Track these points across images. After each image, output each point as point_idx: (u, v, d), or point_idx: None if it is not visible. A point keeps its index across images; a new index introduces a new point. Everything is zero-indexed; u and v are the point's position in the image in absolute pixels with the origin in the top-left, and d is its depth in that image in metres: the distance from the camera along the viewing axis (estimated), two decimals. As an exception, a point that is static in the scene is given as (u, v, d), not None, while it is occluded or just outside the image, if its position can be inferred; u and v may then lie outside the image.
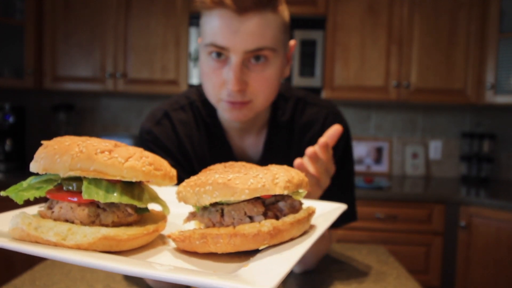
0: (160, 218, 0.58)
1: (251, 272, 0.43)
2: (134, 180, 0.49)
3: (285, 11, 0.86)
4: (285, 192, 0.51)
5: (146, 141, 0.98)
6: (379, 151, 3.05)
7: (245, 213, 0.51)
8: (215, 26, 0.80)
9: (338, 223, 1.00)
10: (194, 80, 2.66)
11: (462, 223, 2.28)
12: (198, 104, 1.01)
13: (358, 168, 2.98)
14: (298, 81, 2.62)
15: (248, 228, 0.49)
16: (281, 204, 0.54)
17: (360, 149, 3.03)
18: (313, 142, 0.99)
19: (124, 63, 2.73)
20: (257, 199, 0.53)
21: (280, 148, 1.00)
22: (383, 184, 2.50)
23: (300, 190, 0.58)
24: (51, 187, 0.51)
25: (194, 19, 2.65)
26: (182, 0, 2.68)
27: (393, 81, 2.65)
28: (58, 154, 0.48)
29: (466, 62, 2.63)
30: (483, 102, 2.61)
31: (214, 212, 0.53)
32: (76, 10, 2.73)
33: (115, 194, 0.49)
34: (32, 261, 2.48)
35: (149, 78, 2.73)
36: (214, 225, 0.53)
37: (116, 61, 2.73)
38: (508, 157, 2.99)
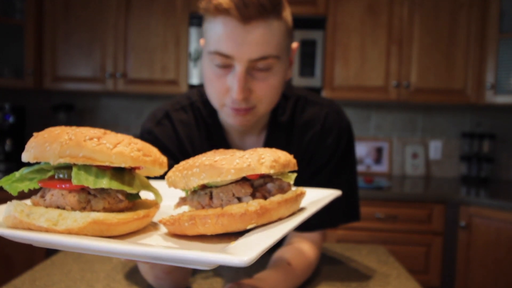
0: (153, 205, 0.58)
1: (235, 248, 0.44)
2: (123, 165, 0.50)
3: (288, 16, 0.86)
4: (271, 171, 0.52)
5: (147, 141, 0.98)
6: (379, 151, 3.05)
7: (233, 195, 0.52)
8: (219, 34, 0.80)
9: (341, 222, 1.00)
10: (194, 80, 2.66)
11: (462, 223, 2.28)
12: (199, 105, 1.01)
13: (358, 168, 2.98)
14: (298, 81, 2.62)
15: (235, 208, 0.49)
16: (269, 186, 0.55)
17: (360, 149, 3.03)
18: (313, 141, 0.99)
19: (124, 63, 2.73)
20: (245, 181, 0.53)
21: (280, 147, 1.00)
22: (383, 184, 2.50)
23: (290, 173, 0.58)
24: (44, 177, 0.52)
25: (194, 19, 2.65)
26: (182, 0, 2.68)
27: (393, 81, 2.65)
28: (48, 142, 0.49)
29: (466, 62, 2.63)
30: (483, 102, 2.61)
31: (203, 195, 0.53)
32: (76, 10, 2.73)
33: (104, 180, 0.49)
34: (32, 261, 2.48)
35: (149, 78, 2.73)
36: (203, 208, 0.53)
37: (116, 61, 2.73)
38: (508, 157, 2.99)
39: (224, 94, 0.85)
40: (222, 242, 0.51)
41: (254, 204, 0.50)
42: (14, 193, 0.52)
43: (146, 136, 0.99)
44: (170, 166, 0.61)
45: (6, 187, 0.52)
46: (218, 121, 0.99)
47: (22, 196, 0.56)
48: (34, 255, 2.39)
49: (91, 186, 0.49)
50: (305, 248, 0.94)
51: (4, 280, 1.99)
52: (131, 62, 2.73)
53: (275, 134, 0.99)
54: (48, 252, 2.41)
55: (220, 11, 0.79)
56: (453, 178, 3.02)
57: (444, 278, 2.37)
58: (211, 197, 0.53)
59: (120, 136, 0.52)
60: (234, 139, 1.01)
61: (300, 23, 2.56)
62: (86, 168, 0.49)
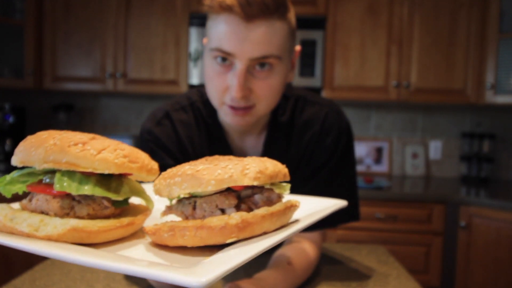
0: (144, 211, 0.57)
1: (205, 265, 0.42)
2: (106, 172, 0.49)
3: (292, 18, 0.86)
4: (255, 183, 0.49)
5: (147, 141, 0.98)
6: (379, 151, 3.05)
7: (217, 206, 0.50)
8: (221, 31, 0.80)
9: (340, 222, 1.00)
10: (194, 80, 2.66)
11: (462, 223, 2.28)
12: (199, 105, 1.01)
13: (358, 168, 2.98)
14: (298, 81, 2.62)
15: (215, 220, 0.47)
16: (256, 197, 0.52)
17: (360, 149, 3.03)
18: (312, 140, 0.99)
19: (124, 63, 2.73)
20: (230, 191, 0.51)
21: (279, 148, 1.00)
22: (383, 184, 2.50)
23: (284, 184, 0.56)
24: (34, 180, 0.52)
25: (194, 19, 2.65)
26: (182, 0, 2.68)
27: (393, 81, 2.65)
28: (34, 147, 0.49)
29: (466, 62, 2.63)
30: (483, 102, 2.61)
31: (187, 205, 0.52)
32: (76, 10, 2.73)
33: (87, 187, 0.49)
34: (32, 261, 2.48)
35: (149, 78, 2.73)
36: (187, 218, 0.51)
37: (116, 61, 2.73)
38: (508, 157, 2.99)
39: (224, 92, 0.85)
40: (203, 255, 0.49)
41: (235, 217, 0.47)
42: (8, 196, 0.52)
43: (146, 136, 0.99)
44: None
45: (0, 188, 0.52)
46: (218, 121, 0.99)
47: (18, 198, 0.55)
48: (34, 255, 2.38)
49: (74, 193, 0.48)
50: (305, 248, 0.94)
51: (4, 280, 1.99)
52: (131, 62, 2.73)
53: (275, 135, 0.99)
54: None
55: (223, 8, 0.79)
56: (453, 178, 3.02)
57: (444, 278, 2.37)
58: (194, 207, 0.51)
59: (107, 142, 0.51)
60: (234, 140, 1.01)
61: (300, 23, 2.53)
62: (70, 174, 0.49)
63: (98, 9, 2.72)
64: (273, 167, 0.53)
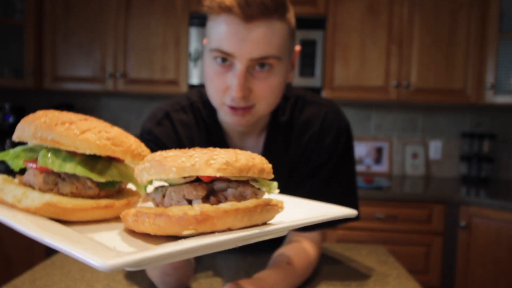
0: (131, 197, 0.58)
1: (125, 250, 0.41)
2: (88, 152, 0.50)
3: (292, 18, 0.86)
4: (218, 174, 0.46)
5: (147, 141, 0.98)
6: (379, 151, 3.05)
7: (184, 196, 0.49)
8: (221, 32, 0.80)
9: (340, 222, 1.00)
10: (194, 80, 2.66)
11: (462, 223, 2.28)
12: (199, 105, 1.01)
13: (358, 168, 2.98)
14: (298, 81, 2.62)
15: (175, 210, 0.46)
16: (229, 191, 0.50)
17: (360, 149, 3.03)
18: (311, 140, 0.99)
19: (124, 63, 2.73)
20: (201, 183, 0.49)
21: (279, 148, 1.00)
22: (383, 184, 2.50)
23: (271, 182, 0.53)
24: (34, 156, 0.54)
25: (194, 19, 2.65)
26: (182, 0, 2.68)
27: (393, 81, 2.65)
28: (27, 123, 0.51)
29: (466, 62, 2.63)
30: (483, 102, 2.61)
31: (159, 193, 0.51)
32: (76, 10, 2.73)
33: (69, 165, 0.50)
34: (32, 261, 2.48)
35: (149, 78, 2.73)
36: (157, 206, 0.51)
37: (116, 61, 2.73)
38: (508, 157, 2.99)
39: (224, 92, 0.85)
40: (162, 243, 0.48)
41: (195, 209, 0.45)
42: (16, 169, 0.55)
43: (146, 136, 0.99)
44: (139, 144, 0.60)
45: (9, 162, 0.54)
46: (218, 122, 0.99)
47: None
48: (34, 255, 2.39)
49: (55, 169, 0.50)
50: (305, 248, 0.94)
51: (4, 280, 1.99)
52: (131, 62, 2.73)
53: (274, 135, 0.99)
54: (48, 252, 2.41)
55: (223, 9, 0.79)
56: (453, 178, 3.02)
57: (444, 278, 2.37)
58: (164, 196, 0.50)
59: (95, 123, 0.52)
60: (234, 140, 1.01)
61: (300, 23, 2.53)
62: (56, 151, 0.51)
63: (98, 9, 2.72)
64: (246, 160, 0.49)
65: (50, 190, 0.51)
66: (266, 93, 0.85)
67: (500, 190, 2.59)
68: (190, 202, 0.49)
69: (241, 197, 0.50)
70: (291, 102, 1.01)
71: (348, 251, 1.18)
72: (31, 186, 0.52)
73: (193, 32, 2.64)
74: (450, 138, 3.05)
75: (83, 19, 2.73)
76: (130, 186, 0.64)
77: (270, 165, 0.53)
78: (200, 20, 2.63)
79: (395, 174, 3.06)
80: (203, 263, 1.02)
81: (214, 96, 0.88)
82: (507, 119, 2.98)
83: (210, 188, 0.50)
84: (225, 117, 0.89)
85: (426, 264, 2.38)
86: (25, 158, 0.54)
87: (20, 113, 2.87)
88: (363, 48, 2.67)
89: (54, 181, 0.51)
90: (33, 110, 2.63)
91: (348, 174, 1.01)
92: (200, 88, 1.03)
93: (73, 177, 0.52)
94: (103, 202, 0.52)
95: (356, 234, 2.39)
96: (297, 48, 0.94)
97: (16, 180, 0.55)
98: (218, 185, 0.50)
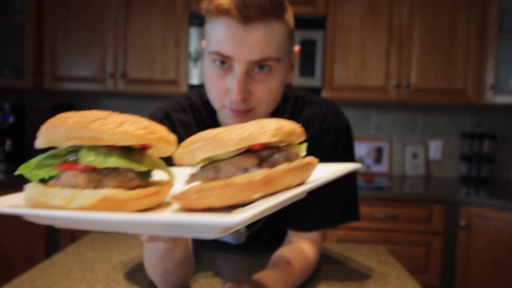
0: (168, 183, 0.59)
1: (231, 214, 0.43)
2: (128, 143, 0.50)
3: (290, 19, 0.86)
4: (274, 140, 0.51)
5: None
6: (379, 151, 3.05)
7: (239, 166, 0.51)
8: (220, 35, 0.80)
9: (340, 222, 1.00)
10: (194, 80, 2.66)
11: (462, 223, 2.28)
12: (199, 106, 1.01)
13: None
14: (298, 81, 2.62)
15: (240, 178, 0.49)
16: (276, 156, 0.54)
17: (360, 149, 3.03)
18: (312, 141, 0.99)
19: (124, 63, 2.73)
20: (251, 152, 0.53)
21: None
22: (383, 184, 2.50)
23: (300, 144, 0.57)
24: (59, 162, 0.54)
25: (194, 19, 2.65)
26: (182, 0, 2.68)
27: (393, 81, 2.66)
28: (55, 127, 0.51)
29: (466, 62, 2.63)
30: (483, 102, 2.61)
31: (210, 169, 0.53)
32: (76, 10, 2.73)
33: (112, 159, 0.51)
34: (32, 261, 2.48)
35: (149, 78, 2.73)
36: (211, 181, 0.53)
37: (116, 61, 2.73)
38: (508, 157, 2.99)
39: (223, 95, 0.85)
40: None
41: (259, 173, 0.49)
42: (35, 180, 0.54)
43: (146, 136, 0.99)
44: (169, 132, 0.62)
45: (27, 174, 0.54)
46: (218, 122, 0.99)
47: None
48: (34, 255, 2.39)
49: (99, 166, 0.50)
50: (305, 248, 0.94)
51: (4, 280, 1.99)
52: (131, 62, 2.73)
53: (275, 135, 0.99)
54: (48, 252, 2.41)
55: (220, 11, 0.79)
56: (453, 178, 3.02)
57: (444, 278, 2.37)
58: (218, 171, 0.53)
59: (125, 116, 0.53)
60: (234, 140, 1.01)
61: (300, 23, 2.55)
62: (94, 148, 0.51)
63: (98, 9, 2.72)
64: (290, 124, 0.55)
65: (95, 188, 0.51)
66: (266, 94, 0.85)
67: (500, 190, 2.59)
68: (246, 171, 0.51)
69: (287, 160, 0.54)
70: (291, 102, 1.01)
71: (348, 251, 1.18)
72: (73, 187, 0.52)
73: (193, 32, 2.64)
74: (450, 138, 3.05)
75: (83, 19, 2.73)
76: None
77: (302, 128, 0.59)
78: (200, 20, 2.63)
79: (395, 174, 3.06)
80: (203, 263, 1.03)
81: (214, 98, 0.88)
82: (507, 119, 2.98)
83: (259, 156, 0.53)
84: (226, 119, 0.89)
85: (426, 264, 2.38)
86: (47, 167, 0.54)
87: (20, 113, 2.87)
88: (363, 48, 2.67)
89: (97, 178, 0.52)
90: (33, 110, 2.63)
91: (349, 174, 1.01)
92: (200, 89, 1.03)
93: (114, 171, 0.53)
94: (152, 189, 0.54)
95: (356, 234, 2.39)
96: (296, 48, 0.94)
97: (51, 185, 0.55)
98: (264, 153, 0.54)
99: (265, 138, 0.50)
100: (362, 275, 0.99)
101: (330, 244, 1.25)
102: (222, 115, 0.90)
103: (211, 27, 0.83)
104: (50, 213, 0.47)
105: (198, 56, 2.65)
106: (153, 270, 0.80)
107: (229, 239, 1.14)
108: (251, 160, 0.52)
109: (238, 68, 0.80)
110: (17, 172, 0.53)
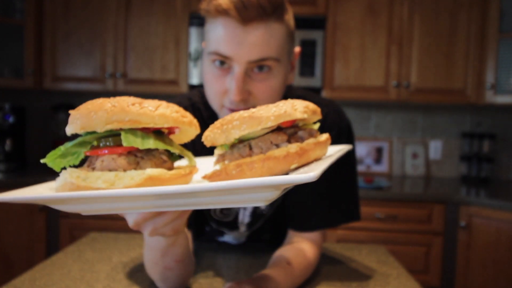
0: (193, 166, 0.61)
1: (293, 174, 0.46)
2: (165, 125, 0.53)
3: (290, 20, 0.86)
4: (305, 116, 0.56)
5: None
6: (379, 151, 3.05)
7: (271, 142, 0.56)
8: (219, 35, 0.80)
9: (341, 222, 1.00)
10: (194, 80, 2.66)
11: (462, 223, 2.28)
12: (200, 106, 1.01)
13: (358, 168, 2.98)
14: (298, 81, 2.62)
15: (277, 152, 0.53)
16: (300, 133, 0.59)
17: (360, 149, 3.03)
18: None
19: (124, 63, 2.73)
20: (279, 130, 0.57)
21: (280, 148, 1.00)
22: (383, 184, 2.50)
23: (314, 124, 0.63)
24: (86, 149, 0.55)
25: (194, 19, 2.65)
26: (182, 0, 2.68)
27: (393, 81, 2.66)
28: (93, 112, 0.51)
29: (466, 62, 2.63)
30: (483, 102, 2.61)
31: (243, 147, 0.57)
32: (76, 10, 2.73)
33: (150, 141, 0.53)
34: (32, 261, 2.48)
35: (149, 78, 2.73)
36: (243, 158, 0.57)
37: (116, 61, 2.73)
38: (508, 157, 2.99)
39: (223, 95, 0.85)
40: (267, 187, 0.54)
41: (293, 146, 0.54)
42: (58, 169, 0.55)
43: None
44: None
45: (50, 163, 0.54)
46: (218, 122, 0.99)
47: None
48: (34, 255, 2.39)
49: (140, 147, 0.51)
50: (305, 248, 0.94)
51: (4, 280, 1.99)
52: (131, 62, 2.73)
53: (275, 135, 0.99)
54: (48, 252, 2.41)
55: (220, 12, 0.79)
56: (453, 178, 3.02)
57: (444, 278, 2.37)
58: (250, 148, 0.57)
59: (157, 101, 0.56)
60: (234, 140, 1.01)
61: (300, 23, 2.55)
62: (132, 131, 0.52)
63: (98, 9, 2.72)
64: (314, 104, 0.61)
65: (134, 170, 0.53)
66: (265, 95, 0.85)
67: (500, 190, 2.59)
68: (277, 146, 0.56)
69: (311, 135, 0.59)
70: (291, 102, 1.01)
71: (348, 251, 1.18)
72: (111, 171, 0.53)
73: (193, 32, 2.64)
74: (450, 138, 3.05)
75: (83, 19, 2.73)
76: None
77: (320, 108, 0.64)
78: (200, 20, 2.63)
79: (395, 174, 3.06)
80: (203, 263, 1.03)
81: (214, 99, 0.88)
82: (507, 119, 2.98)
83: (287, 133, 0.58)
84: None
85: (426, 264, 2.38)
86: (71, 156, 0.55)
87: (20, 113, 2.87)
88: (363, 48, 2.67)
89: (135, 160, 0.53)
90: (33, 110, 2.63)
91: (349, 174, 1.01)
92: (201, 89, 1.03)
93: (150, 154, 0.55)
94: (187, 169, 0.56)
95: (356, 234, 2.39)
96: (297, 49, 0.93)
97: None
98: (289, 130, 0.59)
99: (298, 115, 0.55)
100: (362, 275, 0.99)
101: (330, 244, 1.25)
102: (222, 115, 0.90)
103: (210, 27, 0.83)
104: (112, 192, 0.45)
105: (198, 56, 2.65)
106: (153, 268, 0.80)
107: (229, 239, 1.14)
108: (281, 137, 0.56)
109: (237, 68, 0.81)
110: (43, 160, 0.54)
